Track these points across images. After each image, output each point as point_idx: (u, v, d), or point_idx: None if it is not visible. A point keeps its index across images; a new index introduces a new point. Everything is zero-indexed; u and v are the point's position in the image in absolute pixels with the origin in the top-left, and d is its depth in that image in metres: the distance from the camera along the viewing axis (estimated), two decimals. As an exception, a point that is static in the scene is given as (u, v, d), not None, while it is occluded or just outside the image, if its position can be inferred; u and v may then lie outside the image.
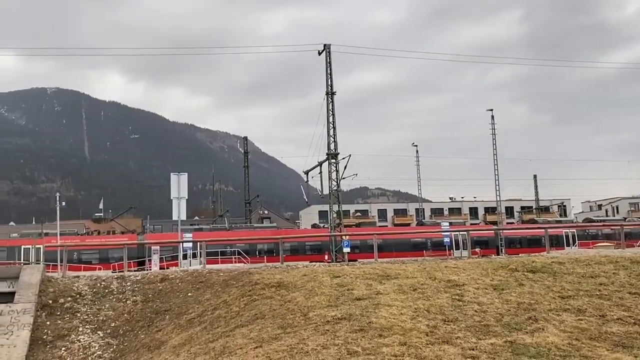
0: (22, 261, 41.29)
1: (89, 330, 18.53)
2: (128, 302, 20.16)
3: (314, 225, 69.89)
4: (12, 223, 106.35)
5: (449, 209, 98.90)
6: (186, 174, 28.40)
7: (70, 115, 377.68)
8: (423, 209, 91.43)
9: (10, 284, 20.98)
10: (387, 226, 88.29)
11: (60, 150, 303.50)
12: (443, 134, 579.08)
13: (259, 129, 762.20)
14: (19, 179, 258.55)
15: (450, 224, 62.97)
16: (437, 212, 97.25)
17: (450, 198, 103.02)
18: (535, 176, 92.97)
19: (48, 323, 18.81)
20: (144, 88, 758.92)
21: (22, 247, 44.35)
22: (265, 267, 22.51)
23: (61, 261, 27.12)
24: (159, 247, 37.37)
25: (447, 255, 46.16)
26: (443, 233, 51.22)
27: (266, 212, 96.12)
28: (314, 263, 26.52)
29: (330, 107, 48.62)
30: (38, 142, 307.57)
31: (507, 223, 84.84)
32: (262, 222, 79.77)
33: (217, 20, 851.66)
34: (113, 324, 18.83)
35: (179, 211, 27.71)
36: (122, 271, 24.33)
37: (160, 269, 31.29)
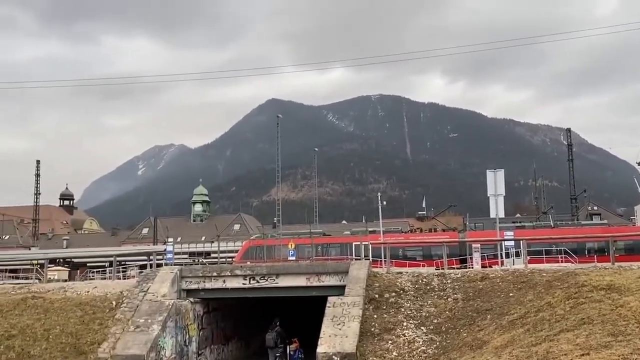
0: (352, 257, 44.41)
1: (412, 326, 19.19)
2: (449, 299, 20.41)
3: (652, 222, 62.77)
4: (344, 221, 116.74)
5: None
6: (502, 170, 28.05)
7: (392, 119, 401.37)
8: None
9: (340, 278, 22.88)
10: None
11: (384, 152, 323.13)
12: None
13: (585, 118, 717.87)
14: (350, 181, 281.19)
15: None
16: None
17: None
18: None
19: (375, 316, 19.96)
20: (462, 87, 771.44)
21: (353, 244, 47.69)
22: (593, 268, 20.93)
23: (384, 257, 28.61)
24: (479, 245, 37.06)
25: None
26: None
27: (595, 207, 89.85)
28: (652, 264, 23.73)
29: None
30: (365, 146, 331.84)
31: None
32: (591, 219, 74.46)
33: (542, 8, 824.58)
34: (435, 321, 19.22)
35: (497, 208, 27.39)
36: (443, 269, 24.73)
37: (482, 267, 31.10)
